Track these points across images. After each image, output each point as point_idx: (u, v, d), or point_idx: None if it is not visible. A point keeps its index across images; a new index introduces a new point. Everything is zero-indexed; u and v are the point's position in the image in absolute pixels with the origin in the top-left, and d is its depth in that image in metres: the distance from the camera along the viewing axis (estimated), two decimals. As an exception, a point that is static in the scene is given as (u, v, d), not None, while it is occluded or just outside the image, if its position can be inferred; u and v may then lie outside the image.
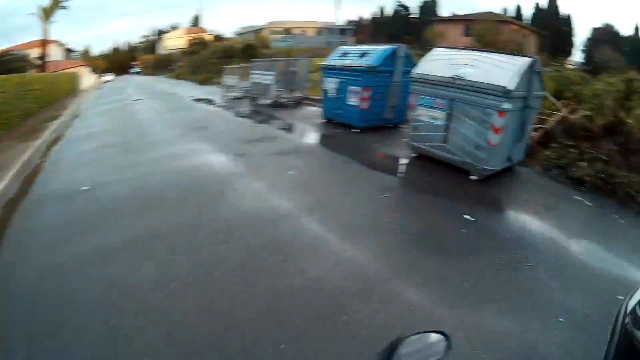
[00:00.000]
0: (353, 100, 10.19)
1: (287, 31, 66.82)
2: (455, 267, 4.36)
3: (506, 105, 6.48)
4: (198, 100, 19.81)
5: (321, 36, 64.54)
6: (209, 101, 18.87)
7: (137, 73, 77.68)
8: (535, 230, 5.36)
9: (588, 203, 6.43)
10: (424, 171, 7.54)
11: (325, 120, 11.60)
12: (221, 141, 9.90)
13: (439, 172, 7.39)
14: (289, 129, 11.33)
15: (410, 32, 56.87)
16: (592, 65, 31.62)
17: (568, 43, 62.21)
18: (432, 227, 5.34)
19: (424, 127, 7.69)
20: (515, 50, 44.10)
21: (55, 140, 12.33)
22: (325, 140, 9.92)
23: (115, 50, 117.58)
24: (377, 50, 10.07)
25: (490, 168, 6.96)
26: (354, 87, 10.08)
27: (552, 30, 55.22)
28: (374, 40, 53.72)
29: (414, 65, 9.51)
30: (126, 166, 8.42)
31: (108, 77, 71.29)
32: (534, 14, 61.50)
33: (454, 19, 50.22)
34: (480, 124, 6.78)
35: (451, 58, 7.61)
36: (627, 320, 0.98)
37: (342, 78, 10.40)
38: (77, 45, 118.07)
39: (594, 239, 5.23)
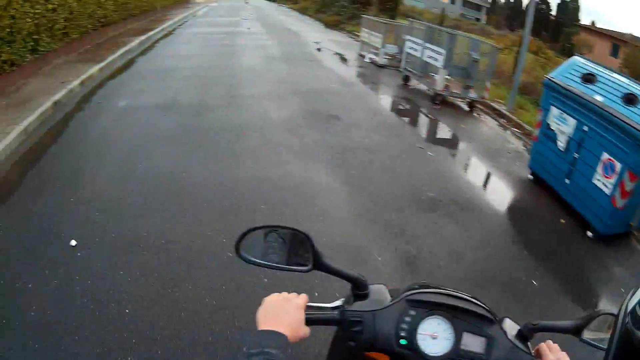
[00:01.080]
0: (603, 181, 5.47)
1: (422, -10, 60.79)
2: None
3: None
4: (324, 51, 15.54)
5: (455, 5, 57.49)
6: (340, 57, 14.68)
7: (261, -4, 75.30)
8: None
9: None
10: None
11: (530, 175, 6.65)
12: (384, 188, 5.64)
13: None
14: (488, 185, 6.64)
15: (546, 29, 50.82)
16: None
17: None
18: None
19: None
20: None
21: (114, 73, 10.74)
22: (560, 256, 4.92)
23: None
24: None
25: None
26: (612, 160, 5.36)
27: None
28: (508, 27, 47.33)
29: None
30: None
31: None
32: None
33: (601, 32, 41.17)
34: None
35: None
36: (627, 320, 0.83)
37: (587, 126, 5.73)
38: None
39: None
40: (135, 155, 5.94)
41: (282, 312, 1.06)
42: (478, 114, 9.92)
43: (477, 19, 54.18)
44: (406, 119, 8.90)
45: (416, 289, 1.19)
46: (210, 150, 6.20)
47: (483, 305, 1.17)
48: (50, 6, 11.03)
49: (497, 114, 9.88)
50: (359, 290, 1.19)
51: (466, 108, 10.11)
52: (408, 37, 11.44)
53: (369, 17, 15.30)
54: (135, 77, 10.29)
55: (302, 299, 1.13)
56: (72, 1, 12.57)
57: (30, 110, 7.57)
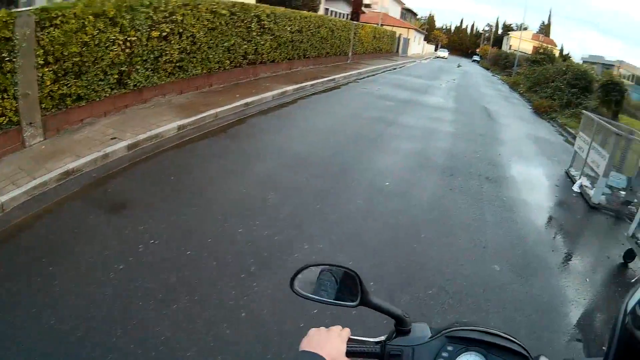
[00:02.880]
0: None
1: (638, 80, 51.85)
2: None
3: None
4: (521, 159, 10.35)
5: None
6: (536, 176, 9.42)
7: (477, 62, 73.16)
8: None
9: None
10: None
11: None
12: None
13: None
14: None
15: None
16: None
17: None
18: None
19: None
20: None
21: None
22: None
23: (459, 29, 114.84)
24: None
25: None
26: None
27: None
28: None
29: None
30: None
31: (442, 53, 69.18)
32: None
33: None
34: None
35: None
36: (627, 320, 0.86)
37: None
38: (422, 13, 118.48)
39: None
40: None
41: (325, 341, 1.08)
42: None
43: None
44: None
45: (456, 326, 1.20)
46: None
47: (518, 342, 1.15)
48: (155, 33, 8.65)
49: None
50: (402, 326, 1.21)
51: None
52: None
53: (592, 115, 9.51)
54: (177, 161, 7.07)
55: (345, 332, 1.16)
56: (196, 30, 10.08)
57: (31, 178, 5.65)
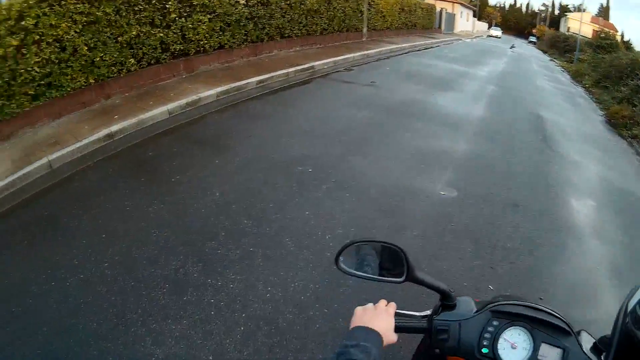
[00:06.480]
0: None
1: None
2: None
3: None
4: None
5: None
6: None
7: (533, 43, 65.51)
8: None
9: None
10: None
11: None
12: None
13: None
14: None
15: None
16: None
17: None
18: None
19: None
20: None
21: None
22: None
23: (513, 7, 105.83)
24: None
25: None
26: None
27: None
28: None
29: None
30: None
31: (495, 32, 61.92)
32: None
33: None
34: None
35: None
36: (627, 320, 0.91)
37: None
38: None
39: None
40: None
41: (375, 318, 1.06)
42: None
43: None
44: None
45: (500, 301, 1.18)
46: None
47: (561, 318, 1.13)
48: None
49: None
50: (447, 301, 1.19)
51: None
52: None
53: None
54: None
55: (391, 307, 1.14)
56: (62, 31, 6.87)
57: None
